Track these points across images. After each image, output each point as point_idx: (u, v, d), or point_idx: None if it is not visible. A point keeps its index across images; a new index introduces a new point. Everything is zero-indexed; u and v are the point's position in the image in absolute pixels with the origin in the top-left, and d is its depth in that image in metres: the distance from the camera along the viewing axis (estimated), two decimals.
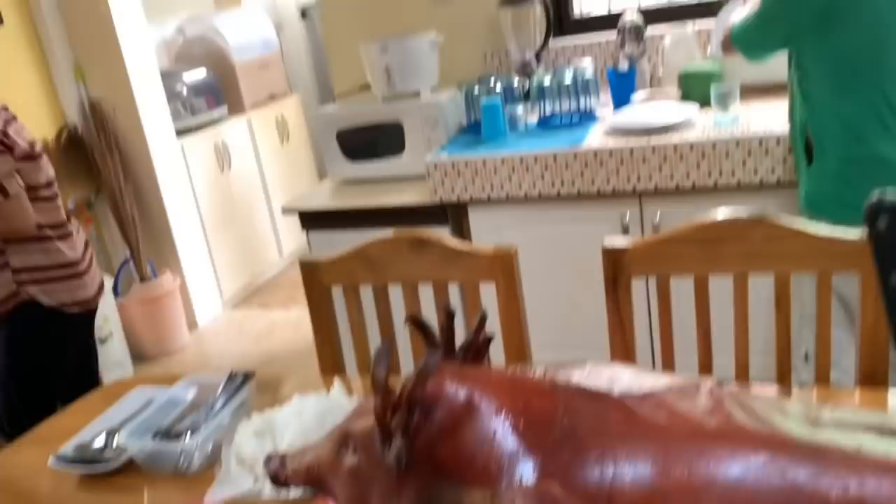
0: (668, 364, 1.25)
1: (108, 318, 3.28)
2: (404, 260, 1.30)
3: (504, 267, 1.25)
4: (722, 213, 1.15)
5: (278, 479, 0.87)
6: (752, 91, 2.22)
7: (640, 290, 1.25)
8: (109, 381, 3.21)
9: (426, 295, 1.31)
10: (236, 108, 4.19)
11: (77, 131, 3.47)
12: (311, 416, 1.10)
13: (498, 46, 2.70)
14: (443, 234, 2.16)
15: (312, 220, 2.44)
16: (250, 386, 1.28)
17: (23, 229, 1.94)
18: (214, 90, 4.04)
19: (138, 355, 3.56)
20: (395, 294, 1.34)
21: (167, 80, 3.76)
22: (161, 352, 3.61)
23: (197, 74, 3.95)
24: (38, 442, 1.32)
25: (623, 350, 1.22)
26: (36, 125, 3.28)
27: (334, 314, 1.41)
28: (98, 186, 3.52)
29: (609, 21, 2.57)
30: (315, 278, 1.35)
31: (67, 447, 1.23)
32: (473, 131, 2.40)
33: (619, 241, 1.21)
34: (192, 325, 3.80)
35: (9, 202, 1.89)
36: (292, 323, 3.69)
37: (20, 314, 1.99)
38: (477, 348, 0.83)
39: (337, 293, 1.38)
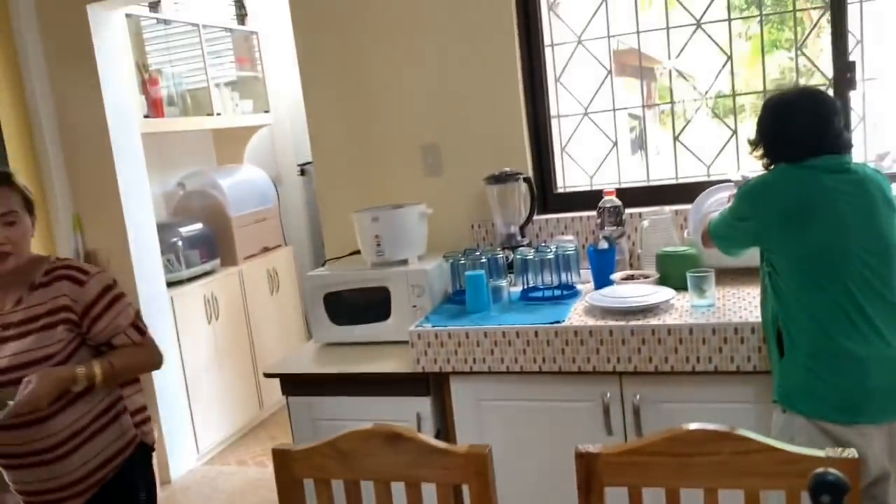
0: None
1: None
2: (378, 455, 1.29)
3: (478, 468, 1.24)
4: (693, 425, 1.16)
5: None
6: (729, 275, 2.29)
7: (615, 496, 1.24)
8: None
9: (399, 493, 1.29)
10: (229, 260, 4.27)
11: None
12: None
13: (485, 218, 2.81)
14: (423, 406, 2.16)
15: (294, 384, 2.44)
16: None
17: (153, 366, 2.01)
18: (209, 243, 4.14)
19: None
20: (368, 489, 1.32)
21: (164, 232, 3.86)
22: None
23: (193, 228, 4.06)
24: None
25: None
26: None
27: None
28: None
29: (591, 197, 2.69)
30: (286, 468, 1.33)
31: None
32: (457, 300, 2.45)
33: (591, 447, 1.21)
34: (164, 480, 3.68)
35: (146, 339, 1.98)
36: (267, 481, 3.58)
37: (133, 459, 1.99)
38: None
39: (309, 485, 1.36)
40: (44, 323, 1.81)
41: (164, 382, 3.67)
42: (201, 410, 3.92)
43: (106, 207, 3.53)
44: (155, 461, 2.21)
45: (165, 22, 4.19)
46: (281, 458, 1.34)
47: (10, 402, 1.70)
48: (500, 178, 2.67)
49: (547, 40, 2.83)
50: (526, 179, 2.68)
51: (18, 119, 3.35)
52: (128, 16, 3.76)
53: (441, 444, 1.28)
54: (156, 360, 2.00)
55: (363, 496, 1.33)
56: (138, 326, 1.96)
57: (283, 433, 4.09)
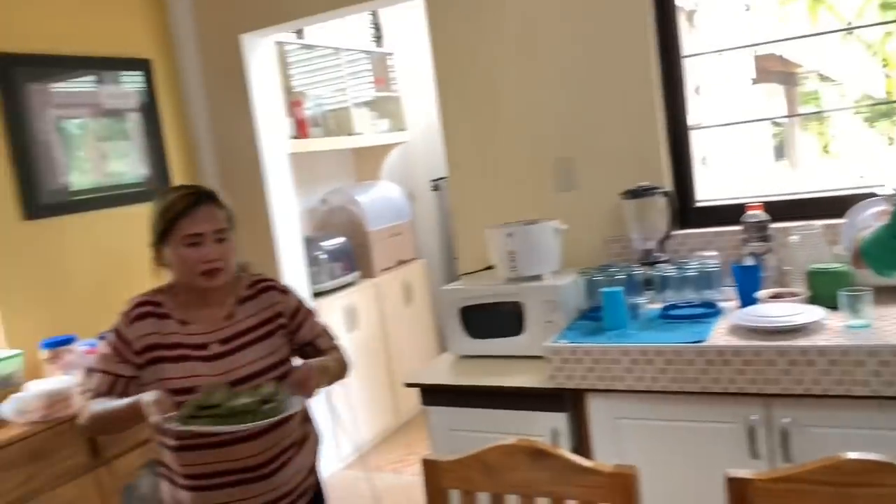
0: None
1: None
2: (522, 469, 1.32)
3: (623, 488, 1.24)
4: (854, 454, 1.11)
5: None
6: (886, 293, 2.15)
7: None
8: None
9: None
10: (367, 272, 4.44)
11: None
12: None
13: (620, 234, 2.78)
14: (559, 422, 2.16)
15: (432, 394, 2.51)
16: None
17: (348, 370, 2.08)
18: (349, 256, 4.33)
19: None
20: (512, 503, 1.35)
21: (309, 246, 4.08)
22: None
23: (335, 241, 4.26)
24: None
25: None
26: None
27: None
28: None
29: (732, 211, 2.60)
30: (435, 478, 1.38)
31: None
32: (593, 316, 2.43)
33: (743, 471, 1.18)
34: None
35: (338, 343, 2.08)
36: (404, 487, 3.68)
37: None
38: None
39: (455, 496, 1.41)
40: (265, 331, 1.87)
41: None
42: (342, 416, 4.08)
43: (257, 223, 3.76)
44: None
45: (309, 47, 4.43)
46: (430, 469, 1.39)
47: (274, 394, 1.69)
48: (637, 193, 2.64)
49: (685, 50, 2.77)
50: (665, 193, 2.64)
51: (182, 142, 3.64)
52: (276, 43, 4.01)
53: (586, 462, 1.29)
54: (349, 365, 2.07)
55: None
56: (328, 331, 2.06)
57: (417, 441, 4.20)
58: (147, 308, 1.82)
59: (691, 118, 2.79)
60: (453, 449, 2.40)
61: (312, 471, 1.98)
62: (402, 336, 4.62)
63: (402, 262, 4.75)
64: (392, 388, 4.48)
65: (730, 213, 2.65)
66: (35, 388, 2.38)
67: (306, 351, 1.97)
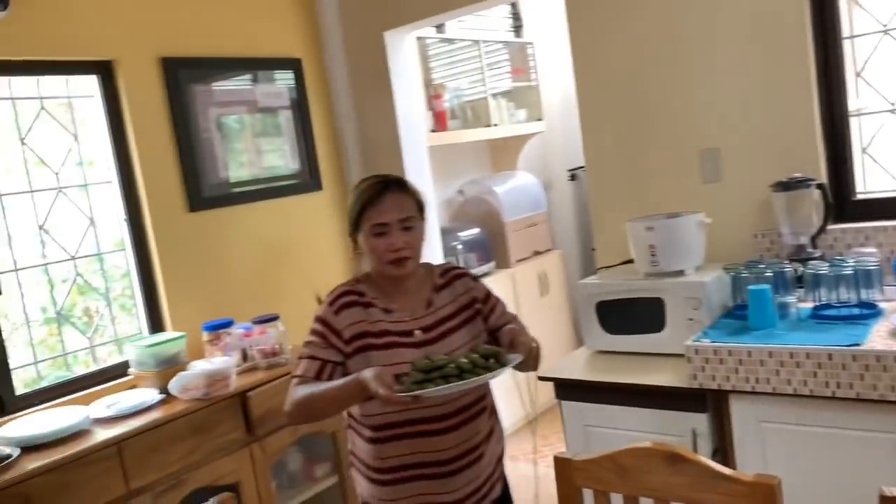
0: None
1: None
2: (658, 473, 1.30)
3: (765, 499, 1.19)
4: None
5: None
6: None
7: None
8: None
9: None
10: (503, 263, 4.47)
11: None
12: None
13: (769, 228, 2.64)
14: (699, 422, 2.10)
15: (567, 389, 2.50)
16: None
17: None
18: (485, 246, 4.38)
19: None
20: None
21: (446, 236, 4.16)
22: None
23: (471, 233, 4.32)
24: None
25: None
26: (338, 273, 3.77)
27: None
28: None
29: None
30: (567, 476, 1.39)
31: None
32: (738, 315, 2.33)
33: None
34: None
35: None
36: (540, 479, 3.70)
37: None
38: None
39: (588, 494, 1.41)
40: (464, 318, 1.88)
41: None
42: None
43: None
44: None
45: (449, 40, 4.50)
46: (562, 467, 1.40)
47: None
48: (788, 185, 2.49)
49: (845, 31, 2.58)
50: (819, 186, 2.48)
51: (329, 137, 3.81)
52: (417, 38, 4.10)
53: (725, 470, 1.25)
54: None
55: None
56: (517, 318, 2.01)
57: (552, 433, 4.19)
58: (351, 297, 1.81)
59: (852, 104, 2.60)
60: (588, 444, 2.40)
61: (500, 461, 1.97)
62: (537, 327, 4.55)
63: (537, 253, 4.74)
64: (527, 379, 4.49)
65: (894, 207, 2.45)
66: (197, 368, 2.58)
67: (498, 337, 1.92)
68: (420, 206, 1.87)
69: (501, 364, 1.63)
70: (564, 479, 1.41)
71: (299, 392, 1.73)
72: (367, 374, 1.58)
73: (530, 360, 1.77)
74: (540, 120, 4.96)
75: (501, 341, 1.77)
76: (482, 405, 1.89)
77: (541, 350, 1.92)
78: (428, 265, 1.92)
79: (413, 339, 1.79)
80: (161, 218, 3.02)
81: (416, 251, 1.81)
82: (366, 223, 1.78)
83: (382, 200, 1.78)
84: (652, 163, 2.91)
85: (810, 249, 2.49)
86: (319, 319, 1.81)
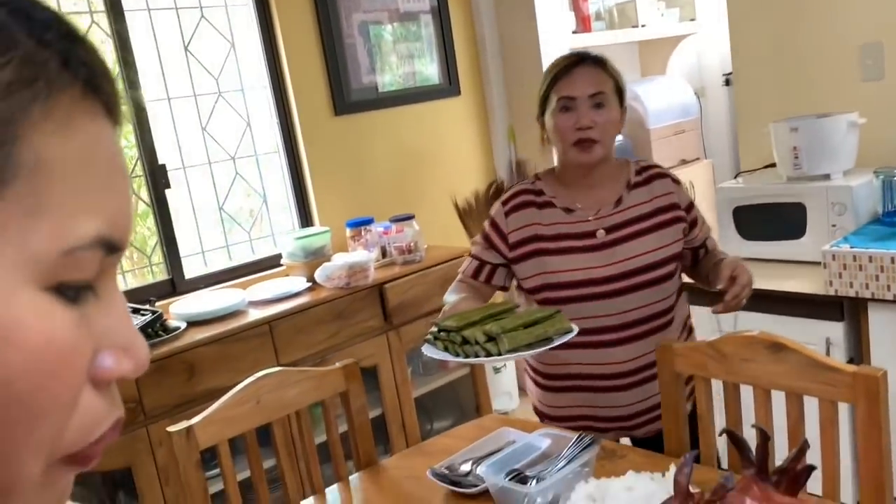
0: None
1: None
2: (759, 361, 1.30)
3: (867, 390, 1.17)
4: None
5: None
6: None
7: None
8: (498, 408, 3.61)
9: (779, 401, 1.29)
10: None
11: (503, 185, 3.98)
12: (640, 494, 1.18)
13: None
14: (834, 331, 2.03)
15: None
16: (594, 449, 1.40)
17: None
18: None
19: (524, 389, 3.91)
20: (747, 392, 1.34)
21: None
22: None
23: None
24: (423, 454, 1.61)
25: None
26: (473, 178, 3.86)
27: (683, 400, 1.46)
28: None
29: None
30: (668, 362, 1.41)
31: (442, 465, 1.50)
32: (888, 222, 2.19)
33: None
34: None
35: None
36: None
37: None
38: (793, 476, 0.84)
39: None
40: (659, 221, 1.64)
41: None
42: None
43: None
44: None
45: None
46: (664, 354, 1.43)
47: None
48: None
49: None
50: None
51: (469, 43, 3.83)
52: None
53: (828, 360, 1.23)
54: None
55: (741, 398, 1.36)
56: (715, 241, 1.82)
57: None
58: (527, 197, 1.67)
59: None
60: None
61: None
62: None
63: (685, 162, 4.57)
64: None
65: None
66: (340, 260, 2.78)
67: (698, 255, 1.73)
68: (619, 89, 1.66)
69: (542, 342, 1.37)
70: (666, 366, 1.44)
71: (450, 291, 1.74)
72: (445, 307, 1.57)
73: (733, 304, 1.51)
74: (693, 20, 4.68)
75: (720, 275, 1.53)
76: (664, 319, 1.65)
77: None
78: (624, 160, 1.71)
79: (594, 241, 1.61)
80: (309, 121, 3.21)
81: (606, 135, 1.59)
82: (553, 97, 1.62)
83: (574, 72, 1.61)
84: (806, 60, 2.71)
85: None
86: (489, 218, 1.72)
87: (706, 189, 4.67)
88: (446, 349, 1.40)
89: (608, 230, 1.63)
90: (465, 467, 1.48)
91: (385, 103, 3.46)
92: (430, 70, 3.66)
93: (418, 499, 1.43)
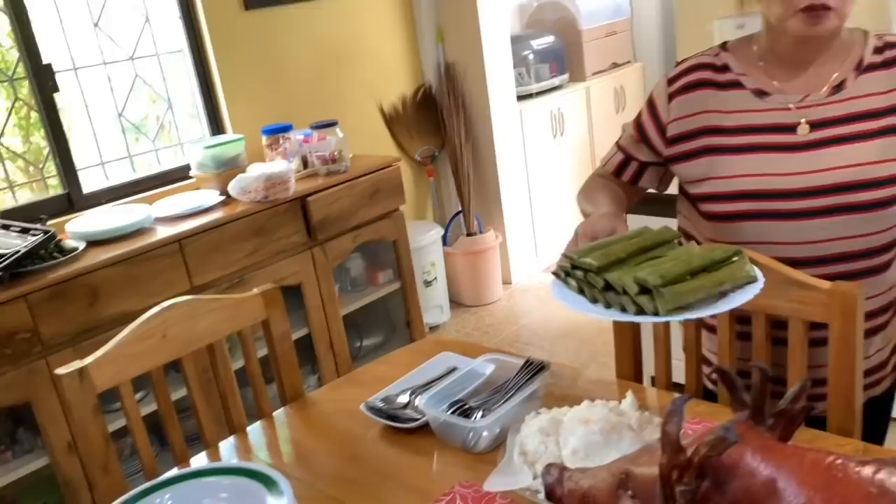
0: None
1: (434, 263, 3.57)
2: None
3: (844, 308, 1.08)
4: None
5: (553, 494, 0.87)
6: None
7: None
8: (430, 322, 3.51)
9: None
10: (577, 75, 4.20)
11: (431, 90, 3.76)
12: (597, 428, 1.07)
13: (880, 26, 2.32)
14: None
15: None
16: (544, 376, 1.29)
17: None
18: (559, 57, 4.09)
19: (456, 301, 3.84)
20: None
21: (516, 45, 3.89)
22: (476, 302, 3.83)
23: (544, 41, 4.03)
24: (356, 384, 1.47)
25: None
26: (399, 82, 3.62)
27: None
28: (442, 142, 3.80)
29: None
30: None
31: (377, 397, 1.36)
32: None
33: None
34: (506, 281, 3.97)
35: None
36: None
37: None
38: (790, 417, 0.73)
39: None
40: (886, 125, 1.17)
41: (510, 192, 3.85)
42: (542, 221, 4.08)
43: (465, 20, 3.62)
44: None
45: None
46: None
47: None
48: None
49: None
50: None
51: None
52: None
53: (802, 277, 1.13)
54: None
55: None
56: None
57: None
58: (703, 74, 1.27)
59: None
60: None
61: None
62: (608, 145, 4.40)
63: (616, 66, 4.43)
64: None
65: None
66: (256, 171, 2.55)
67: None
68: None
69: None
70: None
71: (584, 190, 1.40)
72: (580, 227, 1.17)
73: None
74: None
75: None
76: (878, 260, 1.20)
77: None
78: (860, 31, 1.24)
79: (793, 138, 1.19)
80: (217, 16, 2.89)
81: (843, 2, 1.13)
82: None
83: None
84: None
85: None
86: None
87: (637, 94, 4.56)
88: (582, 292, 1.05)
89: (815, 125, 1.19)
90: (403, 399, 1.35)
91: None
92: None
93: (352, 435, 1.30)
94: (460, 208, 3.80)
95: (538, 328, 3.51)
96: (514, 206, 3.91)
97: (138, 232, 2.36)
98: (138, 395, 2.30)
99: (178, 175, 2.83)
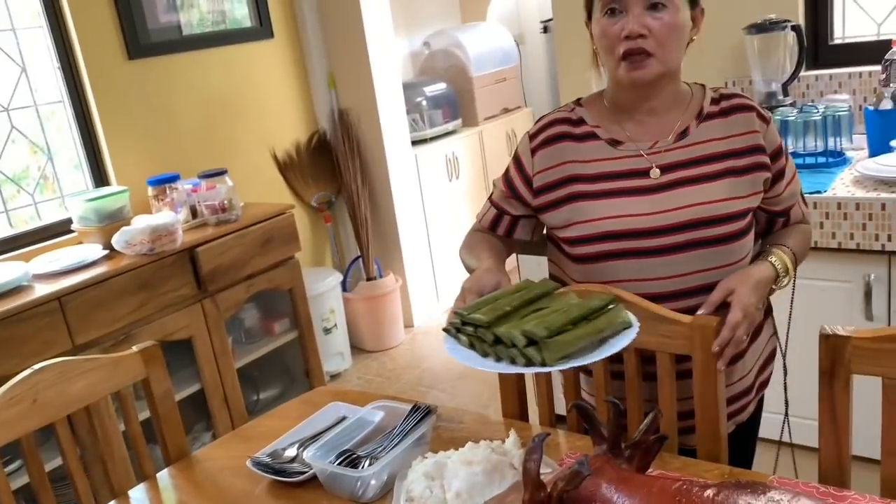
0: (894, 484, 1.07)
1: (334, 310, 3.54)
2: None
3: (704, 339, 1.15)
4: None
5: None
6: None
7: (864, 386, 1.09)
8: (330, 370, 3.47)
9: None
10: (470, 120, 4.32)
11: (325, 136, 3.77)
12: (479, 469, 1.09)
13: (741, 74, 2.51)
14: None
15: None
16: (430, 420, 1.30)
17: (806, 253, 1.43)
18: (452, 103, 4.20)
19: (358, 347, 3.81)
20: None
21: (409, 91, 3.97)
22: (377, 346, 3.82)
23: (437, 88, 4.13)
24: (242, 440, 1.44)
25: (835, 452, 1.07)
26: (293, 128, 3.62)
27: None
28: (339, 188, 3.80)
29: (875, 49, 2.28)
30: None
31: (264, 452, 1.34)
32: None
33: (840, 328, 1.06)
34: (408, 324, 3.98)
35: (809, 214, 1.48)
36: None
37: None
38: (646, 448, 0.77)
39: None
40: (730, 166, 1.26)
41: (408, 235, 3.89)
42: (442, 263, 4.13)
43: (357, 66, 3.67)
44: None
45: None
46: None
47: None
48: (762, 27, 2.35)
49: None
50: (794, 28, 2.33)
51: None
52: None
53: (666, 312, 1.19)
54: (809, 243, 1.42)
55: None
56: (803, 195, 1.41)
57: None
58: (561, 128, 1.34)
59: None
60: None
61: (760, 372, 1.41)
62: None
63: (507, 111, 4.58)
64: None
65: (870, 52, 2.32)
66: (141, 223, 2.48)
67: (774, 224, 1.38)
68: None
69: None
70: None
71: (462, 244, 1.45)
72: (467, 283, 1.23)
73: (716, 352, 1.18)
74: None
75: (711, 295, 1.21)
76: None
77: (807, 248, 1.37)
78: (699, 85, 1.35)
79: (646, 182, 1.26)
80: (98, 66, 2.82)
81: (664, 46, 1.21)
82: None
83: None
84: None
85: (781, 97, 2.38)
86: (514, 155, 1.39)
87: None
88: (472, 346, 1.11)
89: (665, 169, 1.27)
90: (291, 452, 1.33)
91: (187, 45, 3.12)
92: (239, 10, 3.34)
93: (239, 493, 1.27)
94: (359, 253, 3.80)
95: (440, 371, 3.53)
96: (413, 249, 3.95)
97: (14, 290, 2.25)
98: (13, 466, 2.17)
99: (58, 229, 2.71)
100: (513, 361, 1.05)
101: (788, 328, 1.45)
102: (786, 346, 1.43)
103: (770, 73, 2.38)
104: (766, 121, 1.31)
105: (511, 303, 1.13)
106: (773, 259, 1.27)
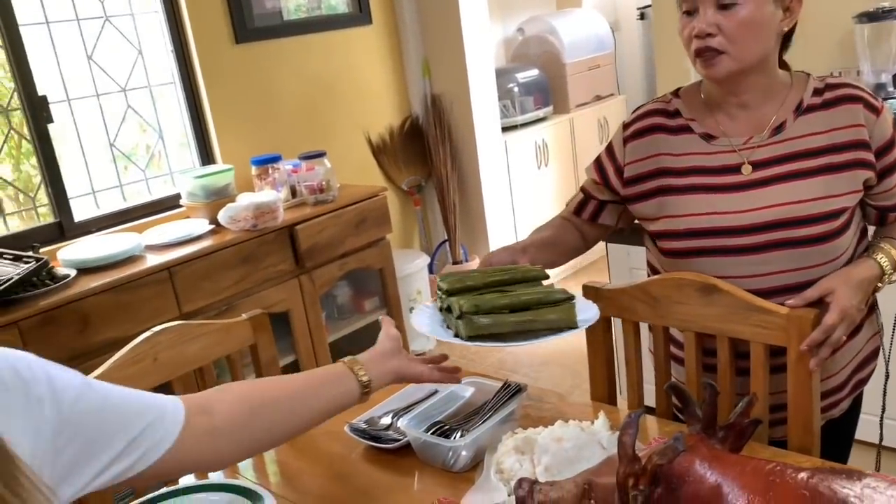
0: None
1: (420, 291, 3.62)
2: (690, 304, 1.25)
3: (800, 331, 1.14)
4: None
5: None
6: None
7: None
8: (415, 349, 3.56)
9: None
10: (561, 107, 4.31)
11: (418, 121, 3.84)
12: (569, 445, 1.12)
13: (848, 65, 2.42)
14: None
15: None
16: (521, 398, 1.34)
17: None
18: (543, 89, 4.20)
19: None
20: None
21: (502, 78, 3.99)
22: None
23: (529, 74, 4.14)
24: None
25: None
26: (387, 113, 3.70)
27: (612, 344, 1.42)
28: (429, 172, 3.87)
29: None
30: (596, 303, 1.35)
31: (361, 418, 1.41)
32: None
33: None
34: None
35: None
36: None
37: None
38: (740, 430, 0.78)
39: (617, 323, 1.38)
40: (830, 162, 1.22)
41: (495, 221, 3.93)
42: None
43: (451, 53, 3.72)
44: None
45: None
46: (590, 295, 1.37)
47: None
48: (874, 16, 2.26)
49: None
50: None
51: None
52: None
53: (761, 302, 1.19)
54: None
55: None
56: None
57: (600, 278, 4.19)
58: (655, 119, 1.34)
59: None
60: None
61: (856, 371, 1.36)
62: None
63: (599, 98, 4.54)
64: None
65: None
66: (245, 200, 2.61)
67: (886, 219, 1.32)
68: None
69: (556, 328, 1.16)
70: None
71: (537, 229, 1.50)
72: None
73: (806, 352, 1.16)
74: None
75: (807, 291, 1.18)
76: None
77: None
78: (803, 74, 1.31)
79: (736, 178, 1.25)
80: (207, 50, 2.97)
81: (735, 43, 1.18)
82: None
83: None
84: None
85: (891, 88, 2.29)
86: (608, 144, 1.42)
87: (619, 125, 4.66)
88: (448, 311, 1.21)
89: (757, 165, 1.24)
90: (386, 420, 1.40)
91: (290, 30, 3.24)
92: None
93: (336, 456, 1.35)
94: (446, 237, 3.86)
95: (523, 355, 3.56)
96: (499, 235, 3.98)
97: (128, 260, 2.41)
98: None
99: (168, 204, 2.88)
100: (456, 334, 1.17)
101: (894, 329, 1.41)
102: (890, 348, 1.39)
103: (880, 64, 2.29)
104: (876, 111, 1.24)
105: (483, 279, 1.21)
106: (878, 256, 1.24)
